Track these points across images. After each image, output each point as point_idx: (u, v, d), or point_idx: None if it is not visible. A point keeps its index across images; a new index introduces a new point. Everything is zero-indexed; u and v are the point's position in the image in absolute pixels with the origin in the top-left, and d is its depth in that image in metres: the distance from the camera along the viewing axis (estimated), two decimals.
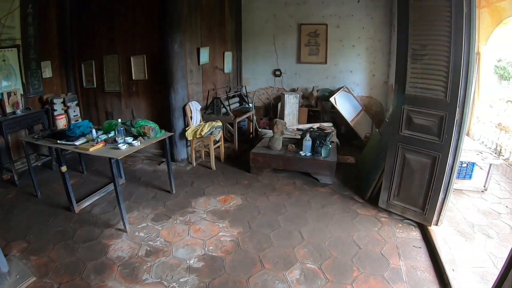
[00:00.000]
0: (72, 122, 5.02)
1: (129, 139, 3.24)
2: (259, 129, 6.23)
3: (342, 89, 6.36)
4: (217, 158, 5.08)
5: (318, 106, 6.63)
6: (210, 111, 5.43)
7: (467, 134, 5.03)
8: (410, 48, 2.87)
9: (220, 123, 4.92)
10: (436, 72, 2.78)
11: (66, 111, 5.03)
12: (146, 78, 4.99)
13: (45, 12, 4.91)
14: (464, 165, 4.01)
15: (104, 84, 5.32)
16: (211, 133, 4.69)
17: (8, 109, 4.27)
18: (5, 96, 4.23)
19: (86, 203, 3.71)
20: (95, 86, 5.40)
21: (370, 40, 6.24)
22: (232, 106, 5.70)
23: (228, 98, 5.65)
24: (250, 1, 6.73)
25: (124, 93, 5.24)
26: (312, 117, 6.71)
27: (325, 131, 5.24)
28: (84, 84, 5.48)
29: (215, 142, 4.88)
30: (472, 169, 4.07)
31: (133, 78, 5.07)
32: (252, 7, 6.74)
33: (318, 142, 4.40)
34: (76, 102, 5.24)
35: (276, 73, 6.96)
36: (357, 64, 6.44)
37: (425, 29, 2.76)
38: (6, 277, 2.45)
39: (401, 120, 3.14)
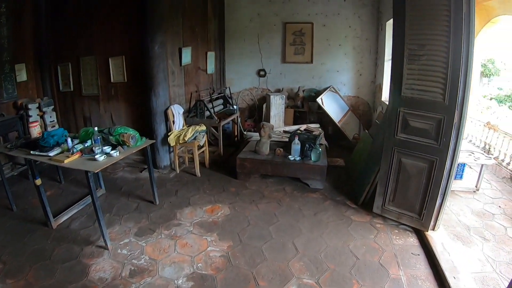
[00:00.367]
0: (49, 128, 4.71)
1: (107, 149, 2.98)
2: (244, 132, 6.03)
3: (329, 89, 6.26)
4: (202, 163, 4.85)
5: (304, 107, 6.51)
6: (193, 114, 5.19)
7: None
8: (406, 48, 2.74)
9: (204, 127, 4.70)
10: (434, 73, 2.67)
11: (42, 117, 4.70)
12: (126, 80, 4.72)
13: (19, 12, 4.57)
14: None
15: (81, 88, 5.00)
16: (194, 138, 4.46)
17: None
18: None
19: (65, 217, 3.43)
20: (72, 89, 5.07)
21: (357, 39, 6.17)
22: (216, 109, 5.48)
23: (211, 100, 5.43)
24: None
25: (102, 96, 4.94)
26: (298, 118, 6.59)
27: (313, 133, 5.11)
28: (61, 88, 5.14)
29: (199, 147, 4.65)
30: (463, 169, 4.05)
31: (112, 80, 4.79)
32: (236, 5, 6.55)
33: (307, 145, 4.24)
34: (52, 107, 4.90)
35: (261, 73, 6.79)
36: (344, 63, 6.36)
37: (423, 28, 2.64)
38: None
39: (396, 123, 3.02)
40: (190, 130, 4.46)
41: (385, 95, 5.66)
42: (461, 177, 4.06)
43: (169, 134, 4.54)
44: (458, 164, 3.95)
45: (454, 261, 2.67)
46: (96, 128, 3.06)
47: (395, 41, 2.88)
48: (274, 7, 6.36)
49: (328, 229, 3.26)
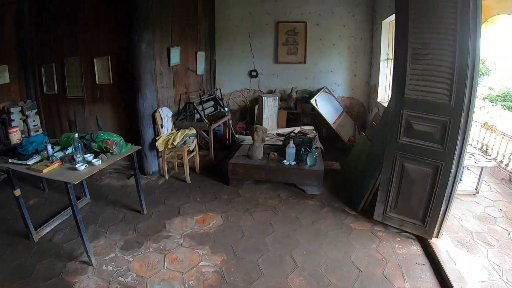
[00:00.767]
0: (32, 133, 4.42)
1: (89, 157, 2.75)
2: (236, 135, 5.83)
3: (323, 90, 6.10)
4: (192, 169, 4.63)
5: (297, 108, 6.34)
6: (182, 117, 4.96)
7: None
8: (410, 47, 2.58)
9: (194, 131, 4.48)
10: (439, 73, 2.51)
11: (25, 121, 4.40)
12: (111, 82, 4.45)
13: (1, 12, 4.30)
14: None
15: (66, 90, 4.72)
16: (184, 143, 4.23)
17: None
18: None
19: (47, 229, 3.19)
20: (56, 92, 4.78)
21: (351, 39, 6.02)
22: (207, 111, 5.26)
23: (202, 103, 5.21)
24: None
25: (87, 99, 4.66)
26: (291, 120, 6.42)
27: (308, 135, 4.94)
28: (45, 90, 4.84)
29: (189, 152, 4.42)
30: (462, 171, 3.94)
31: (97, 82, 4.52)
32: (227, 4, 6.35)
33: (302, 149, 4.06)
34: (35, 110, 4.60)
35: (252, 74, 6.59)
36: (338, 63, 6.21)
37: (427, 26, 2.48)
38: None
39: (399, 126, 2.85)
40: (179, 134, 4.23)
41: (381, 96, 5.53)
42: (460, 180, 3.95)
43: (157, 138, 4.30)
44: None
45: (460, 271, 2.56)
46: (76, 134, 2.82)
47: (397, 39, 2.71)
48: (266, 6, 6.17)
49: (328, 239, 3.08)
